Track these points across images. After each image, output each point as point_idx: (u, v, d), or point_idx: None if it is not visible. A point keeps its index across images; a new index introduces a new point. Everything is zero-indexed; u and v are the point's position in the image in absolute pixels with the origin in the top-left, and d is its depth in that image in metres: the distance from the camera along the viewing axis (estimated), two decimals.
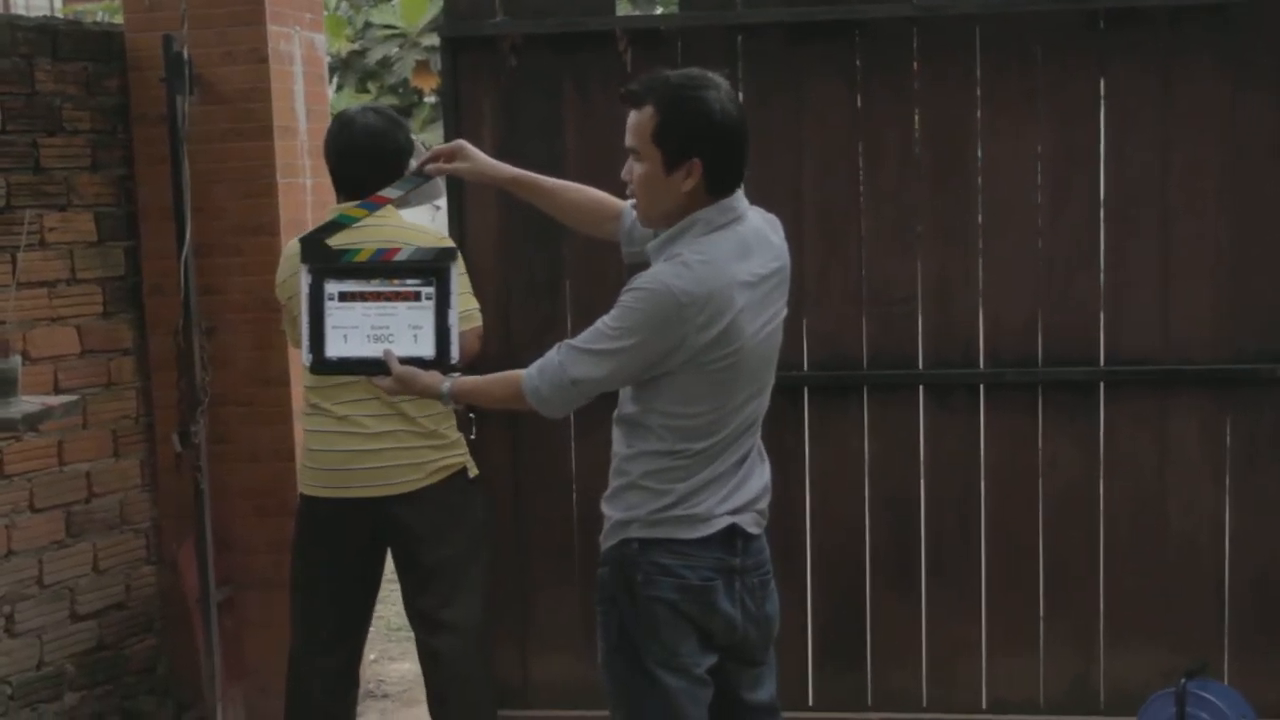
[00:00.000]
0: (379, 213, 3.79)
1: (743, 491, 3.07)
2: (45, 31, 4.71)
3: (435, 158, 3.37)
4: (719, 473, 3.03)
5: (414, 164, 3.59)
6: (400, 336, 3.25)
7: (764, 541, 3.14)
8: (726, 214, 2.99)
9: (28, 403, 3.58)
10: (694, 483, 3.01)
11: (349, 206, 3.46)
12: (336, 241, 3.33)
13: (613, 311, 2.96)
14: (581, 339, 3.01)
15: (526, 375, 3.07)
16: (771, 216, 3.14)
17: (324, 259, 3.28)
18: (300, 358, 4.14)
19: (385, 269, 3.27)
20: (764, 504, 3.13)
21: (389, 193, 3.44)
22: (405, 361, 3.21)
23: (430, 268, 3.27)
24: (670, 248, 2.99)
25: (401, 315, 3.26)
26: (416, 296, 3.25)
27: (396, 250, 3.34)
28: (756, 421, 3.12)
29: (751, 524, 3.09)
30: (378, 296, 3.25)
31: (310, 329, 3.27)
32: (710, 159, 2.95)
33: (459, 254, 3.38)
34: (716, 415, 3.00)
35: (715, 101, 2.94)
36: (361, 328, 3.26)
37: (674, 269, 2.92)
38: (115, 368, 4.91)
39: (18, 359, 3.60)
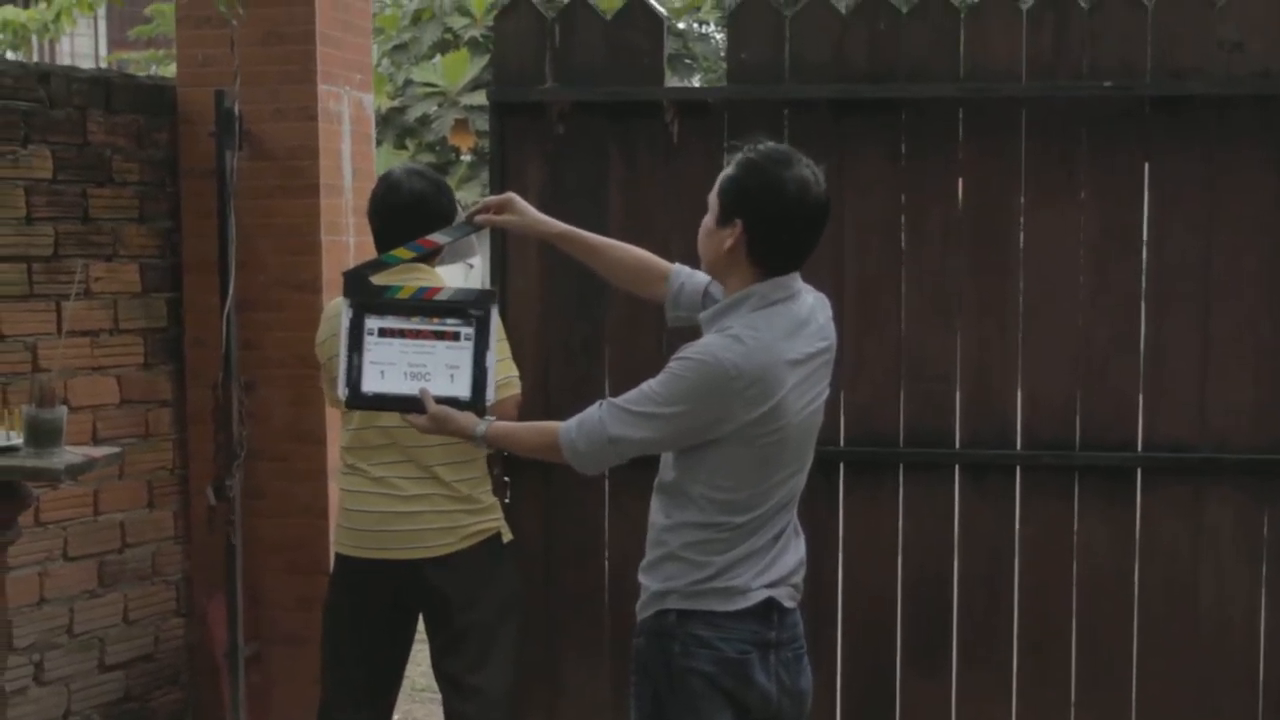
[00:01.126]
0: (424, 271, 3.83)
1: (779, 565, 3.08)
2: (99, 83, 4.78)
3: (485, 209, 3.40)
4: (757, 546, 3.04)
5: (463, 214, 3.62)
6: (437, 375, 3.26)
7: (798, 616, 3.15)
8: (781, 291, 3.01)
9: (71, 453, 3.61)
10: (733, 556, 3.02)
11: (400, 249, 3.48)
12: (380, 280, 3.36)
13: (660, 376, 2.98)
14: (625, 399, 3.02)
15: (564, 428, 3.08)
16: (821, 295, 3.16)
17: (367, 294, 3.31)
18: (338, 416, 4.19)
19: (426, 307, 3.29)
20: (799, 578, 3.14)
21: (437, 237, 3.48)
22: (441, 401, 3.22)
23: (471, 309, 3.29)
24: (723, 320, 3.01)
25: (439, 354, 3.27)
26: (455, 336, 3.27)
27: (438, 289, 3.36)
28: (795, 497, 3.13)
29: (787, 598, 3.09)
30: (417, 334, 3.28)
31: (348, 363, 3.29)
32: (752, 227, 2.97)
33: (497, 298, 3.39)
34: (758, 489, 3.01)
35: (777, 178, 2.96)
36: (399, 365, 3.28)
37: (725, 342, 2.93)
38: (153, 419, 4.94)
39: (63, 409, 3.63)
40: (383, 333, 3.28)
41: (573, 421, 3.08)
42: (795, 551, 3.14)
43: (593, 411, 3.06)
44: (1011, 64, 4.31)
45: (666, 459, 3.11)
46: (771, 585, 3.05)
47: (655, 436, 3.01)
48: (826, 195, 3.03)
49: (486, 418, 3.24)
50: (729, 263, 3.03)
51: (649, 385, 3.00)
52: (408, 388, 3.25)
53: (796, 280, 3.06)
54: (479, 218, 3.41)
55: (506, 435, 3.24)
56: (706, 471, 3.00)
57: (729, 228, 3.00)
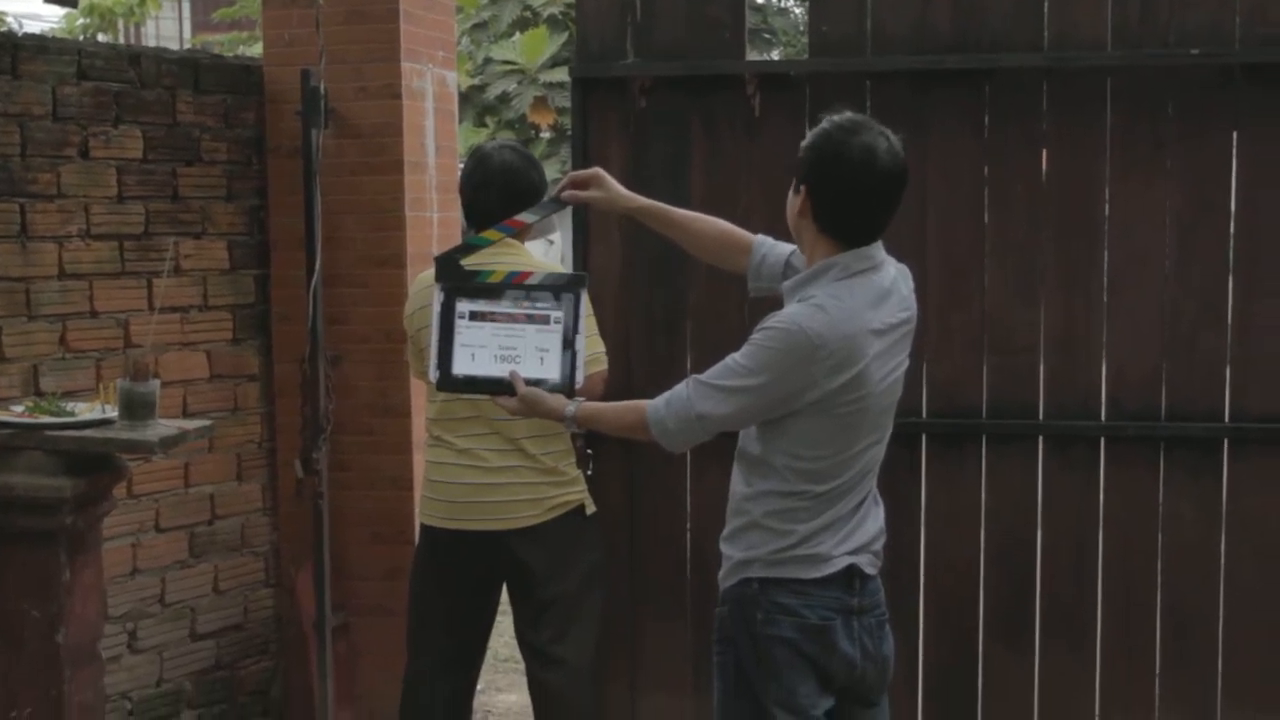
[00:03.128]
0: (514, 248, 3.87)
1: (860, 533, 3.09)
2: (188, 65, 4.85)
3: (573, 184, 3.43)
4: (840, 515, 3.06)
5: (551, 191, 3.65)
6: (527, 358, 3.30)
7: (879, 583, 3.16)
8: (863, 261, 3.02)
9: (164, 426, 3.68)
10: (815, 524, 3.03)
11: (489, 231, 3.52)
12: (470, 263, 3.40)
13: (744, 349, 3.00)
14: (710, 374, 3.04)
15: (652, 406, 3.11)
16: (904, 267, 3.17)
17: (458, 278, 3.35)
18: (423, 390, 4.25)
19: (516, 291, 3.33)
20: (879, 545, 3.16)
21: (525, 216, 3.51)
22: (530, 383, 3.26)
23: (561, 292, 3.32)
24: (805, 289, 3.02)
25: (529, 337, 3.31)
26: (545, 320, 3.31)
27: (529, 273, 3.39)
28: (875, 466, 3.14)
29: (868, 565, 3.11)
30: (507, 318, 3.31)
31: (439, 346, 3.33)
32: (815, 192, 3.00)
33: (588, 281, 3.42)
34: (839, 458, 3.02)
35: (845, 144, 2.97)
36: (489, 347, 3.31)
37: (808, 310, 2.95)
38: (241, 393, 5.02)
39: (156, 383, 3.70)
40: (474, 316, 3.32)
41: (660, 400, 3.10)
42: (875, 519, 3.15)
43: (680, 389, 3.08)
44: (1096, 33, 4.27)
45: (748, 429, 3.12)
46: (853, 553, 3.07)
47: (742, 410, 3.03)
48: (902, 165, 3.02)
49: (576, 399, 3.27)
50: (801, 228, 3.08)
51: (732, 358, 3.02)
52: (498, 370, 3.29)
53: (879, 251, 3.07)
54: (566, 194, 3.43)
55: (596, 416, 3.27)
56: (788, 441, 3.02)
57: (798, 193, 3.05)
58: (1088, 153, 4.32)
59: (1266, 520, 4.29)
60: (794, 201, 3.08)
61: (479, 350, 3.32)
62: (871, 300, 3.00)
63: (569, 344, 3.29)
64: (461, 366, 3.32)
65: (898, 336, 3.08)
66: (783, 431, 3.02)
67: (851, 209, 3.01)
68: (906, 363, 3.15)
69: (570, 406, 3.23)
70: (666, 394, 3.10)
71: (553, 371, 3.29)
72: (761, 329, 2.99)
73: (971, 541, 4.44)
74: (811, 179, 3.02)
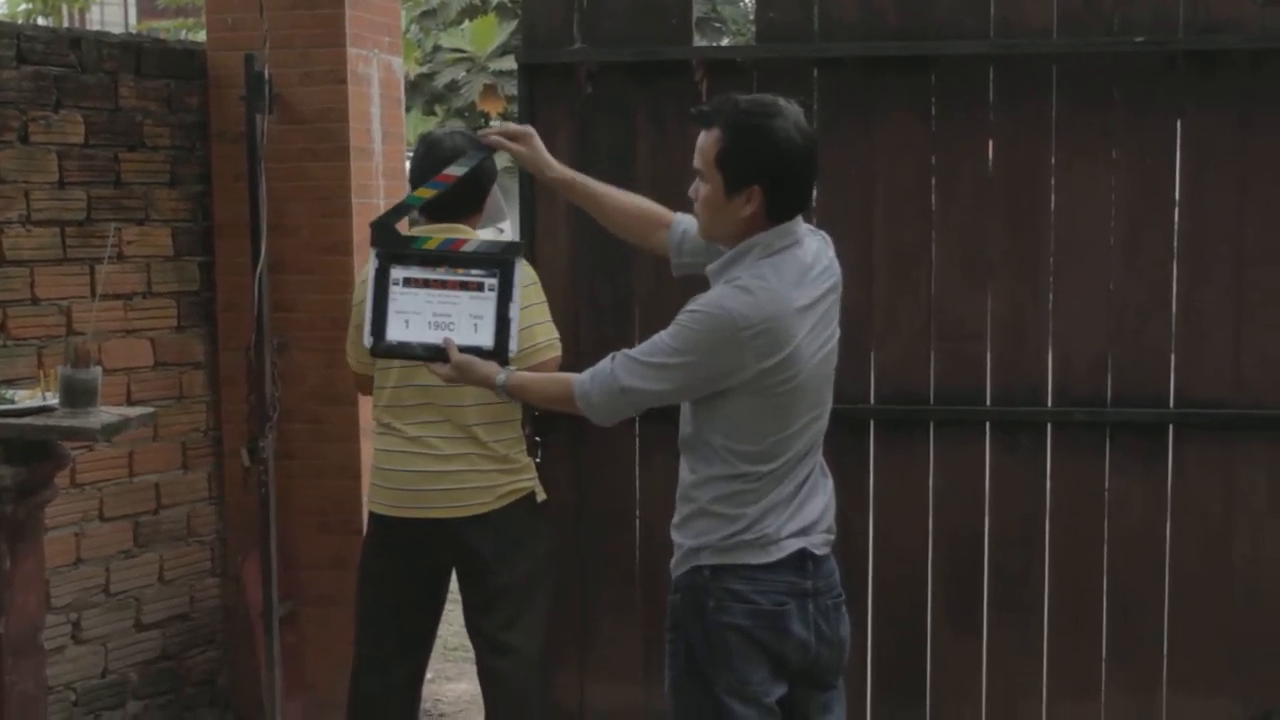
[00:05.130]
0: (464, 232, 3.86)
1: (806, 512, 3.09)
2: (129, 49, 4.79)
3: (502, 134, 3.43)
4: (784, 494, 3.06)
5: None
6: (461, 325, 3.31)
7: (834, 563, 3.16)
8: (785, 238, 3.02)
9: (107, 413, 3.64)
10: (762, 505, 3.04)
11: (421, 189, 3.54)
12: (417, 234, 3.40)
13: (670, 328, 3.02)
14: (638, 350, 3.06)
15: (579, 379, 3.14)
16: (823, 234, 3.18)
17: (393, 244, 3.34)
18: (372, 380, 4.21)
19: (451, 258, 3.33)
20: (829, 521, 3.15)
21: (453, 170, 3.53)
22: (464, 350, 3.26)
23: (495, 260, 3.34)
24: (730, 270, 3.02)
25: (464, 304, 3.32)
26: (480, 287, 3.32)
27: (464, 241, 3.40)
28: (818, 442, 3.15)
29: (819, 546, 3.11)
30: (442, 285, 3.33)
31: (374, 312, 3.33)
32: (771, 187, 2.98)
33: (523, 250, 3.41)
34: (779, 437, 3.03)
35: (781, 130, 2.96)
36: (424, 314, 3.33)
37: (733, 293, 2.95)
38: (186, 381, 4.97)
39: (98, 370, 3.66)
40: (408, 282, 3.34)
41: (587, 373, 3.13)
42: (823, 494, 3.15)
43: (605, 363, 3.10)
44: (1043, 20, 4.28)
45: (685, 413, 3.13)
46: (801, 533, 3.07)
47: (667, 388, 3.04)
48: (813, 130, 3.05)
49: (508, 368, 3.27)
50: (746, 228, 3.02)
51: (660, 337, 3.04)
52: (432, 337, 3.31)
53: (799, 224, 3.07)
54: (491, 138, 3.46)
55: (525, 386, 3.29)
56: (725, 423, 3.02)
57: (742, 195, 2.99)
58: (1034, 139, 4.33)
59: (1210, 504, 4.33)
60: (733, 206, 3.00)
61: (413, 317, 3.34)
62: (795, 278, 3.00)
63: (503, 311, 3.29)
64: (396, 333, 3.34)
65: (825, 307, 3.08)
66: (717, 413, 3.03)
67: (802, 190, 3.04)
68: (838, 332, 3.14)
69: (502, 375, 3.23)
70: (594, 367, 3.13)
71: (486, 338, 3.31)
72: (687, 311, 3.01)
73: (920, 527, 4.45)
74: (762, 177, 2.96)
